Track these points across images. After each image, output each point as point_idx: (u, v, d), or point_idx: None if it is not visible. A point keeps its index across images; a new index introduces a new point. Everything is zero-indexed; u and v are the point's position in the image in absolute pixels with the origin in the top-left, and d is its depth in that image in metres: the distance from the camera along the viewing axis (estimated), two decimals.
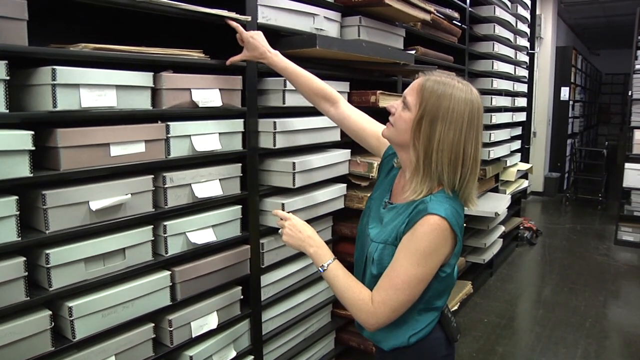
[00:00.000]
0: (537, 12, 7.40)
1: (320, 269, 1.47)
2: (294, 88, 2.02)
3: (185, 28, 1.83)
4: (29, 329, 1.32)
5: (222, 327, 1.89)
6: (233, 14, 1.76)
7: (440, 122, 1.31)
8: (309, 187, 2.17)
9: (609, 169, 8.92)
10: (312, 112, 2.16)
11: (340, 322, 2.59)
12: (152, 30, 1.80)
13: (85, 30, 1.73)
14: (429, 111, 1.32)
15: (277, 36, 2.01)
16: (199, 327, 1.78)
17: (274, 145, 1.97)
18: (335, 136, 2.32)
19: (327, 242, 2.37)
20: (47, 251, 1.36)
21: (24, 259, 1.31)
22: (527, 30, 5.46)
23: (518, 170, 5.20)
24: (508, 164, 4.99)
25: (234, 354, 1.95)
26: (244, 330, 2.01)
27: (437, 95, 1.32)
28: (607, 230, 6.85)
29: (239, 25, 1.76)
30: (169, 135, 1.64)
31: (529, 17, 5.43)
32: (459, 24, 3.80)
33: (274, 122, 1.93)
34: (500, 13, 4.31)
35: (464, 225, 1.47)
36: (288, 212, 1.66)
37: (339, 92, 2.28)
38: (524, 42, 5.36)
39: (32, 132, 1.28)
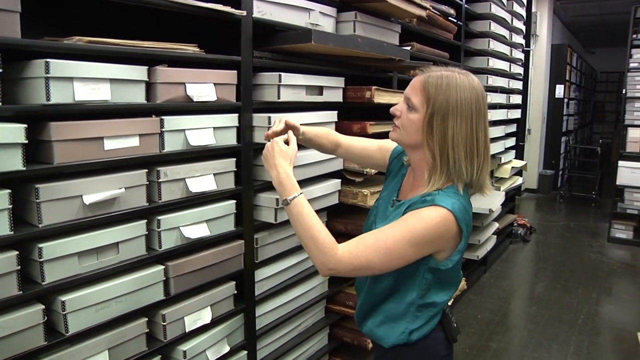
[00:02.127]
0: (533, 10, 7.41)
1: (282, 203, 1.38)
2: (289, 83, 2.02)
3: (181, 22, 1.83)
4: (22, 323, 1.32)
5: (215, 322, 1.89)
6: (228, 8, 1.75)
7: (451, 116, 1.29)
8: (304, 183, 2.17)
9: (603, 166, 8.96)
10: (306, 107, 2.17)
11: (334, 318, 2.60)
12: (147, 25, 1.79)
13: (81, 24, 1.72)
14: (439, 108, 1.29)
15: (272, 31, 2.00)
16: (192, 321, 1.78)
17: (268, 141, 1.96)
18: None
19: None
20: (40, 245, 1.36)
21: (17, 252, 1.31)
22: (523, 28, 5.47)
23: (512, 167, 5.22)
24: (502, 161, 5.00)
25: (227, 348, 1.95)
26: (238, 325, 2.01)
27: (442, 90, 1.30)
28: (601, 228, 6.88)
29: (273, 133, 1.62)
30: (163, 130, 1.63)
31: (524, 14, 5.43)
32: (455, 21, 3.80)
33: (269, 117, 1.93)
34: (496, 10, 4.31)
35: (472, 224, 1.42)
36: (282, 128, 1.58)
37: (333, 87, 2.30)
38: (519, 39, 5.37)
39: (25, 126, 1.28)
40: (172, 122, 1.65)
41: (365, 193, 2.35)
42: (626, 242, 6.32)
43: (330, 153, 1.82)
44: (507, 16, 4.65)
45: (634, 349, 3.63)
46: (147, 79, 1.57)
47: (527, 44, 5.92)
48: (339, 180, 2.39)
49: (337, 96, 2.36)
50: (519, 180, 5.67)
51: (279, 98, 2.00)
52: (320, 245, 1.28)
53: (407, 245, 1.26)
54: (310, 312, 2.45)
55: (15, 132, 1.26)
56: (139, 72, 1.53)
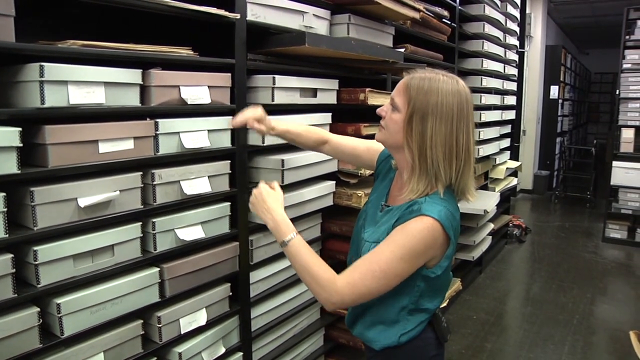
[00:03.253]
0: (527, 11, 7.45)
1: (280, 244, 1.40)
2: (283, 86, 2.03)
3: (175, 25, 1.83)
4: (17, 326, 1.32)
5: (211, 324, 1.89)
6: (222, 12, 1.76)
7: (431, 117, 1.31)
8: (298, 184, 2.18)
9: (597, 167, 8.99)
10: (301, 109, 2.17)
11: (329, 319, 2.61)
12: (142, 28, 1.80)
13: (75, 28, 1.73)
14: (418, 108, 1.32)
15: (266, 34, 2.01)
16: (188, 323, 1.78)
17: (263, 143, 1.97)
18: None
19: (316, 240, 2.40)
20: (35, 248, 1.36)
21: (12, 255, 1.31)
22: (517, 29, 5.49)
23: (507, 168, 5.24)
24: (497, 162, 5.02)
25: (223, 350, 1.95)
26: (233, 327, 2.02)
27: (424, 91, 1.32)
28: (595, 228, 6.91)
29: (244, 118, 1.69)
30: (157, 132, 1.64)
31: (518, 15, 5.46)
32: (449, 22, 3.82)
33: None
34: (489, 12, 4.33)
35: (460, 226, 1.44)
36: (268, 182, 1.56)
37: (327, 89, 2.31)
38: (513, 40, 5.39)
39: (20, 129, 1.28)
40: (166, 124, 1.66)
41: (359, 194, 2.36)
42: (620, 241, 6.35)
43: (313, 149, 1.84)
44: (501, 18, 4.67)
45: (628, 348, 3.64)
46: (142, 82, 1.58)
47: (522, 45, 5.95)
48: (334, 182, 2.40)
49: (331, 98, 2.37)
50: (514, 181, 5.69)
51: (273, 100, 2.01)
52: (321, 282, 1.31)
53: (400, 262, 1.28)
54: (306, 313, 2.45)
55: (10, 135, 1.27)
56: (133, 75, 1.54)
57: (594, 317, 4.25)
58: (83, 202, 1.44)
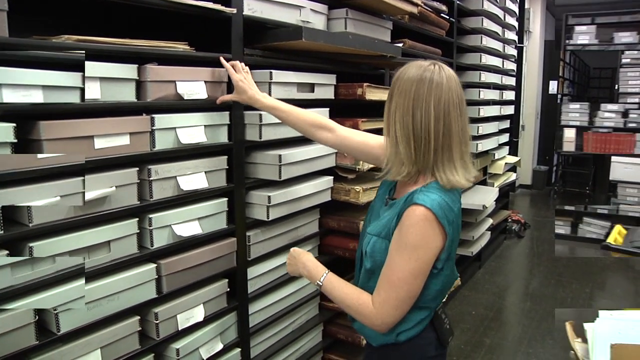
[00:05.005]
0: (526, 6, 7.43)
1: (317, 287, 1.50)
2: (280, 81, 2.02)
3: (171, 20, 1.82)
4: (13, 323, 1.32)
5: (208, 320, 1.88)
6: (219, 6, 1.75)
7: (395, 95, 1.35)
8: (296, 180, 2.17)
9: (596, 162, 8.99)
10: (298, 104, 2.16)
11: (328, 315, 2.60)
12: (138, 24, 1.79)
13: (70, 23, 1.71)
14: (390, 91, 1.38)
15: (263, 29, 2.00)
16: (185, 319, 1.78)
17: (260, 138, 1.96)
18: None
19: (313, 235, 2.40)
20: (31, 244, 1.35)
21: (7, 252, 1.31)
22: (516, 24, 5.47)
23: (506, 163, 5.23)
24: (496, 157, 5.02)
25: (220, 346, 1.95)
26: (231, 323, 2.01)
27: (396, 77, 1.38)
28: None
29: (229, 67, 1.78)
30: (153, 128, 1.63)
31: (517, 10, 5.44)
32: (447, 17, 3.80)
33: (260, 115, 1.93)
34: (488, 6, 4.32)
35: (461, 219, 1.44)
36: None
37: (324, 84, 2.30)
38: (512, 35, 5.38)
39: (14, 125, 1.27)
40: (162, 120, 1.65)
41: (357, 190, 2.35)
42: (564, 237, 6.35)
43: (306, 133, 1.82)
44: (499, 12, 4.66)
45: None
46: (137, 77, 1.57)
47: (520, 40, 5.94)
48: (331, 177, 2.39)
49: (328, 93, 2.36)
50: (512, 176, 5.69)
51: (270, 95, 1.99)
52: (359, 310, 1.38)
53: (410, 262, 1.30)
54: (304, 309, 2.45)
55: (4, 131, 1.26)
56: (128, 70, 1.53)
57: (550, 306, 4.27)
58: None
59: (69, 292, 1.43)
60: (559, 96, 8.96)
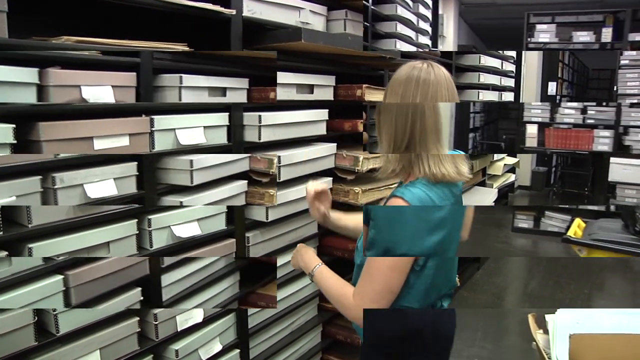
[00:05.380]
0: (440, 12, 7.52)
1: (309, 277, 1.51)
2: (280, 81, 2.02)
3: (171, 22, 1.82)
4: (13, 324, 1.32)
5: (207, 321, 1.89)
6: (218, 8, 1.75)
7: (388, 96, 1.34)
8: (295, 181, 2.17)
9: (595, 163, 8.99)
10: (297, 105, 2.17)
11: (326, 316, 2.60)
12: (138, 25, 1.78)
13: (71, 24, 1.71)
14: (385, 92, 1.37)
15: (262, 30, 2.00)
16: (184, 320, 1.78)
17: (259, 139, 1.96)
18: (321, 130, 2.32)
19: (312, 236, 2.39)
20: (30, 245, 1.35)
21: (6, 253, 1.31)
22: (429, 29, 5.46)
23: (505, 164, 5.25)
24: (495, 158, 5.02)
25: (220, 347, 1.95)
26: (230, 324, 2.01)
27: (391, 78, 1.35)
28: (506, 219, 6.85)
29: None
30: (153, 129, 1.63)
31: (430, 16, 5.44)
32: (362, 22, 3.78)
33: (259, 116, 1.93)
34: (402, 12, 4.29)
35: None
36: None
37: (324, 85, 2.30)
38: (426, 40, 5.37)
39: (14, 126, 1.27)
40: (162, 121, 1.65)
41: (356, 191, 2.35)
42: (527, 231, 6.42)
43: None
44: (413, 18, 4.65)
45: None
46: (39, 82, 1.41)
47: (434, 45, 6.00)
48: (331, 178, 2.39)
49: (328, 94, 2.37)
50: (511, 178, 5.71)
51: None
52: (339, 301, 1.39)
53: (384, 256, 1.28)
54: (303, 310, 2.45)
55: (3, 132, 1.26)
56: (28, 74, 1.36)
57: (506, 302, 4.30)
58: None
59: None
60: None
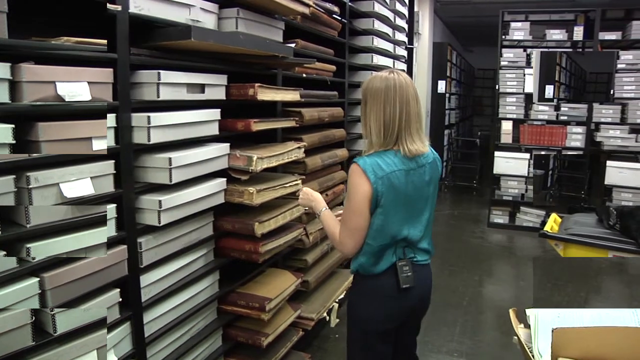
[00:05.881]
0: (415, 9, 7.73)
1: (316, 215, 2.09)
2: (169, 81, 1.96)
3: (49, 16, 1.72)
4: (10, 323, 1.32)
5: None
6: (102, 2, 1.67)
7: (369, 99, 1.89)
8: (188, 183, 2.12)
9: (482, 157, 9.54)
10: (188, 105, 2.12)
11: (227, 318, 2.57)
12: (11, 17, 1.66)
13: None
14: (363, 97, 1.93)
15: (151, 27, 1.93)
16: None
17: (149, 141, 1.89)
18: (214, 130, 2.28)
19: (208, 239, 2.36)
20: (28, 245, 1.41)
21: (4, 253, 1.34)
22: (406, 26, 5.67)
23: None
24: None
25: (115, 359, 1.86)
26: (125, 334, 1.92)
27: (365, 85, 1.93)
28: (482, 214, 7.34)
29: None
30: None
31: (407, 13, 5.64)
32: (339, 18, 3.87)
33: (148, 117, 1.86)
34: (379, 9, 4.44)
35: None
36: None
37: (215, 84, 2.27)
38: (402, 37, 5.56)
39: (13, 126, 1.26)
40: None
41: (251, 191, 2.33)
42: (503, 226, 6.81)
43: None
44: (390, 15, 4.81)
45: (511, 323, 3.91)
46: (11, 77, 1.44)
47: (410, 42, 6.16)
48: (224, 179, 2.35)
49: (219, 94, 2.33)
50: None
51: (158, 97, 1.93)
52: (333, 238, 2.00)
53: (348, 202, 1.88)
54: (202, 314, 2.40)
55: (3, 132, 1.26)
56: (1, 69, 1.40)
57: (481, 297, 4.53)
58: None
59: None
60: (447, 95, 9.44)
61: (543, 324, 1.81)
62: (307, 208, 2.26)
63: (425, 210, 1.98)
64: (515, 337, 1.96)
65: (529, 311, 1.99)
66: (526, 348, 1.80)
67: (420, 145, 1.91)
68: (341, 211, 2.06)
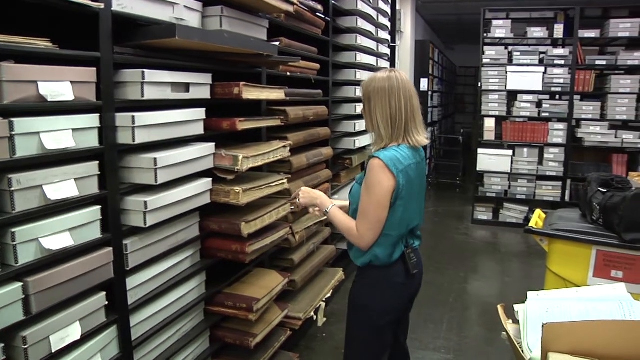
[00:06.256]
0: (397, 7, 7.76)
1: (324, 212, 2.14)
2: (154, 81, 1.93)
3: (31, 15, 1.68)
4: None
5: (86, 337, 1.75)
6: (84, 1, 1.63)
7: (373, 97, 1.99)
8: (173, 183, 2.09)
9: (465, 154, 9.60)
10: (173, 105, 2.09)
11: (214, 320, 2.54)
12: None
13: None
14: (366, 96, 2.03)
15: (134, 26, 1.90)
16: (60, 340, 1.63)
17: (134, 141, 1.86)
18: (199, 129, 2.25)
19: (194, 240, 2.34)
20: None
21: None
22: (388, 24, 5.68)
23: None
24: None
25: None
26: (112, 338, 1.89)
27: (368, 84, 2.02)
28: (466, 211, 7.39)
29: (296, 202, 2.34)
30: (13, 133, 1.47)
31: (389, 11, 5.65)
32: (323, 16, 3.86)
33: (133, 117, 1.83)
34: (362, 6, 4.44)
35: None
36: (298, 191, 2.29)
37: (200, 83, 2.24)
38: (385, 35, 5.57)
39: None
40: (23, 124, 1.50)
41: (237, 191, 2.31)
42: (487, 222, 6.86)
43: None
44: (373, 13, 4.81)
45: (497, 319, 3.94)
46: None
47: (393, 40, 6.18)
48: (210, 179, 2.33)
49: (204, 93, 2.30)
50: None
51: (142, 96, 1.90)
52: (349, 233, 2.04)
53: (370, 197, 1.93)
54: (189, 316, 2.37)
55: None
56: None
57: (467, 294, 4.56)
58: None
59: None
60: (430, 93, 9.48)
61: (532, 319, 1.82)
62: (298, 208, 2.33)
63: (424, 199, 2.16)
64: (504, 333, 1.97)
65: (517, 307, 2.00)
66: (516, 343, 1.81)
67: (423, 137, 2.04)
68: (339, 202, 2.23)
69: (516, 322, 1.98)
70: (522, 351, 1.73)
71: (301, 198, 2.20)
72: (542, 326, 1.53)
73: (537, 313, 1.84)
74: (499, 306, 2.10)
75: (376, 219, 1.94)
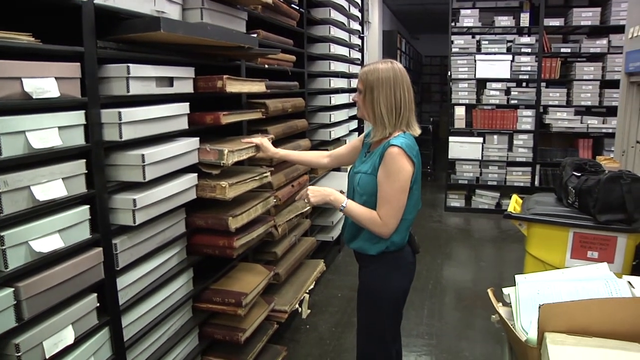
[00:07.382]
0: None
1: (341, 208, 2.11)
2: (139, 75, 1.89)
3: (11, 8, 1.61)
4: None
5: (79, 341, 1.71)
6: None
7: (376, 88, 2.03)
8: (160, 180, 2.05)
9: (435, 142, 9.70)
10: (157, 100, 2.05)
11: (202, 317, 2.52)
12: None
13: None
14: (367, 86, 2.06)
15: (117, 19, 1.85)
16: (53, 345, 1.59)
17: (121, 138, 1.81)
18: (183, 124, 2.21)
19: (181, 236, 2.31)
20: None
21: None
22: (359, 15, 5.68)
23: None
24: (347, 143, 5.17)
25: None
26: (105, 340, 1.84)
27: (370, 74, 2.05)
28: (438, 199, 7.48)
29: (252, 141, 2.51)
30: None
31: (360, 1, 5.65)
32: (297, 8, 3.84)
33: (119, 113, 1.79)
34: None
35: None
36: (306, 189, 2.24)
37: (183, 77, 2.20)
38: (356, 25, 5.57)
39: None
40: (9, 123, 1.44)
41: (223, 185, 2.28)
42: (460, 209, 6.95)
43: (317, 165, 2.70)
44: (344, 3, 4.80)
45: (474, 303, 4.04)
46: None
47: (362, 31, 6.19)
48: (195, 174, 2.29)
49: (187, 87, 2.26)
50: None
51: (128, 91, 1.85)
52: (372, 222, 2.04)
53: (394, 184, 1.98)
54: (178, 314, 2.34)
55: None
56: None
57: (444, 280, 4.62)
58: None
59: None
60: None
61: (524, 301, 1.86)
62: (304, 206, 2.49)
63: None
64: (494, 316, 2.01)
65: (506, 290, 2.04)
66: (509, 325, 1.84)
67: (417, 126, 2.13)
68: (284, 151, 2.46)
69: (506, 304, 2.02)
70: (517, 332, 1.76)
71: (311, 197, 2.17)
72: (539, 307, 1.56)
73: (528, 295, 1.88)
74: (489, 290, 2.15)
75: (399, 204, 2.01)
